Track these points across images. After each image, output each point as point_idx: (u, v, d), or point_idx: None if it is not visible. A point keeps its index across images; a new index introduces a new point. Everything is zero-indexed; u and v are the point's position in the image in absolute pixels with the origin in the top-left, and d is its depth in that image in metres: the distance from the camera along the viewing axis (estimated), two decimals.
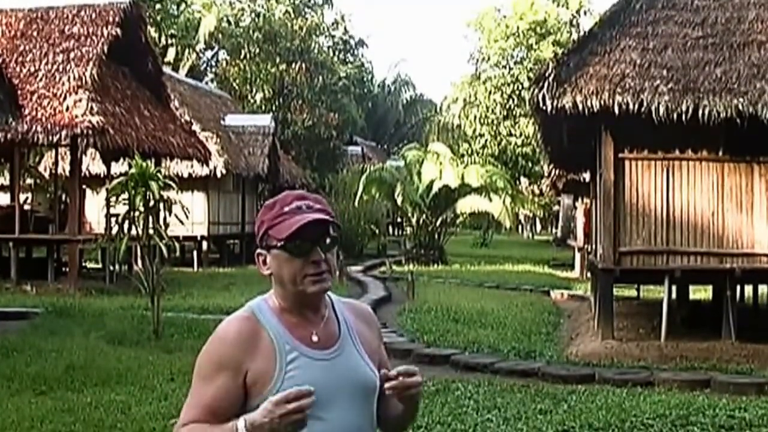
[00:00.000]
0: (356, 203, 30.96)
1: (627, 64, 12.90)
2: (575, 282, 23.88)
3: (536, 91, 12.69)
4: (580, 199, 29.61)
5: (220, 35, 42.45)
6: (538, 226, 60.39)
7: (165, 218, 13.70)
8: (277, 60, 40.91)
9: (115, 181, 14.58)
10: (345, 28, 49.27)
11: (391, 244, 36.93)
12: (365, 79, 55.52)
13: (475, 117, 43.04)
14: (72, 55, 20.03)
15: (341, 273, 22.47)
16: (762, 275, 13.54)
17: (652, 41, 13.22)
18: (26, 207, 21.49)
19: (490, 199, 29.68)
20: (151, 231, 13.40)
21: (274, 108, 39.67)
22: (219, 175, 27.72)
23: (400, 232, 43.97)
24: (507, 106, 42.25)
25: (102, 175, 23.19)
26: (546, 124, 14.55)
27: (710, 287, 16.52)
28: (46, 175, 25.68)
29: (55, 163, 23.71)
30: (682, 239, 12.92)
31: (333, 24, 48.33)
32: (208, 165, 25.96)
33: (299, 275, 2.45)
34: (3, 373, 9.89)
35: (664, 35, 13.31)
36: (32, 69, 19.93)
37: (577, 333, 14.70)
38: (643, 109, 12.33)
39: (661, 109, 12.26)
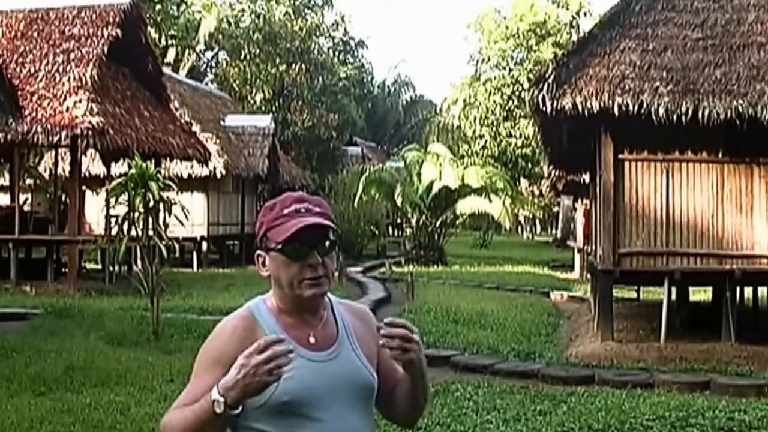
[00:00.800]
0: (356, 204, 30.96)
1: (627, 65, 12.91)
2: (575, 283, 23.87)
3: (536, 92, 12.70)
4: (579, 201, 29.61)
5: (220, 36, 42.45)
6: (538, 227, 60.40)
7: (165, 219, 13.70)
8: (277, 61, 40.92)
9: (114, 182, 14.58)
10: (345, 29, 49.29)
11: (391, 244, 36.93)
12: (365, 79, 55.55)
13: (475, 118, 43.07)
14: (72, 55, 20.03)
15: (341, 274, 22.47)
16: (762, 277, 13.53)
17: (652, 43, 13.23)
18: (26, 207, 21.49)
19: (490, 200, 29.69)
20: (150, 232, 13.40)
21: (273, 109, 39.68)
22: (219, 175, 27.73)
23: (399, 233, 43.98)
24: (507, 107, 42.28)
25: (102, 176, 23.19)
26: (546, 125, 14.56)
27: (710, 289, 16.53)
28: (46, 175, 25.67)
29: (55, 164, 23.71)
30: (681, 241, 12.93)
31: (333, 25, 48.34)
32: (207, 166, 25.97)
33: (296, 279, 2.45)
34: (2, 373, 9.89)
35: (664, 37, 13.32)
36: (32, 69, 19.93)
37: (577, 334, 14.70)
38: (642, 110, 12.33)
39: (661, 111, 12.27)
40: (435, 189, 29.35)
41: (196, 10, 42.98)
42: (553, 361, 11.98)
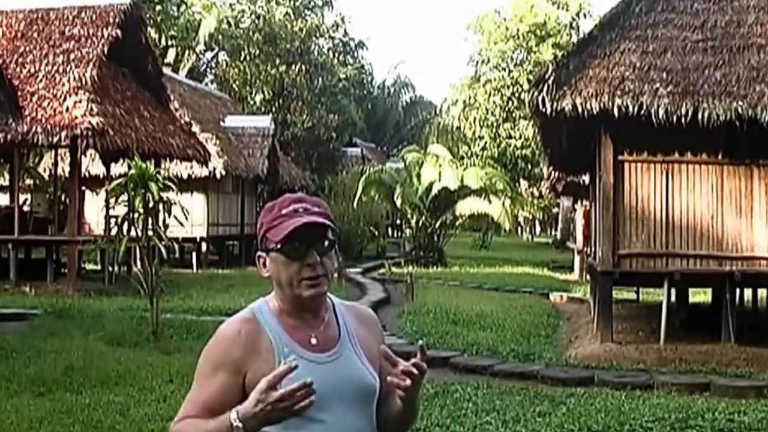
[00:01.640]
0: (355, 205, 30.96)
1: (627, 66, 12.92)
2: (574, 284, 23.86)
3: (536, 93, 12.70)
4: (579, 202, 29.60)
5: (220, 36, 42.43)
6: (538, 229, 60.41)
7: (164, 219, 13.72)
8: (277, 61, 40.91)
9: (114, 182, 14.58)
10: (345, 30, 49.25)
11: (391, 245, 36.92)
12: (365, 80, 55.54)
13: (474, 119, 43.06)
14: (72, 56, 20.03)
15: (340, 274, 22.47)
16: (761, 278, 13.53)
17: (652, 44, 13.23)
18: (26, 208, 21.47)
19: (490, 201, 29.68)
20: (150, 232, 13.41)
21: (273, 109, 39.67)
22: (218, 176, 27.74)
23: (399, 234, 43.95)
24: (507, 109, 42.27)
25: (101, 176, 23.18)
26: (545, 126, 14.56)
27: (709, 290, 16.53)
28: (46, 176, 25.66)
29: (55, 164, 23.70)
30: (681, 242, 12.93)
31: (333, 26, 48.32)
32: (207, 166, 25.97)
33: (295, 278, 2.47)
34: (2, 374, 9.88)
35: (664, 38, 13.32)
36: (32, 70, 19.92)
37: (576, 335, 14.70)
38: (642, 111, 12.34)
39: (661, 112, 12.27)
40: (435, 190, 29.35)
41: (196, 11, 42.97)
42: (553, 362, 11.99)
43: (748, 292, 16.73)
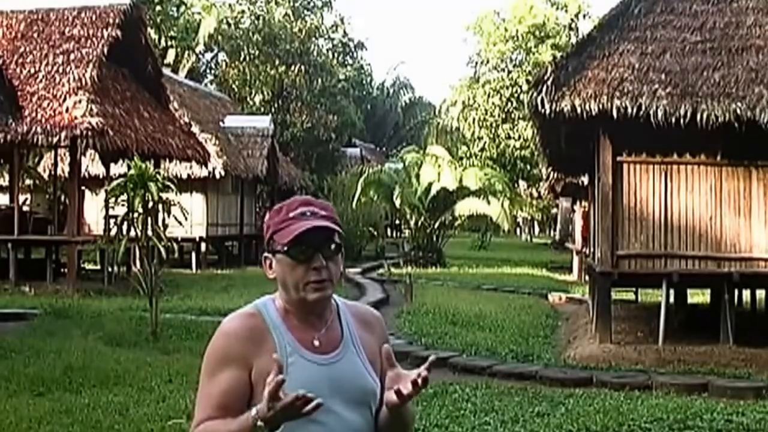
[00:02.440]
0: (354, 205, 30.95)
1: (626, 68, 12.93)
2: (573, 285, 23.90)
3: (535, 94, 12.72)
4: (578, 203, 29.64)
5: (219, 37, 42.46)
6: (537, 229, 60.45)
7: (164, 219, 13.73)
8: (277, 62, 40.94)
9: (114, 183, 14.60)
10: (344, 31, 49.32)
11: (390, 246, 36.92)
12: (364, 81, 55.56)
13: (473, 120, 43.05)
14: (72, 56, 20.05)
15: (340, 275, 22.48)
16: (760, 279, 13.55)
17: (651, 45, 13.25)
18: (25, 208, 21.48)
19: (489, 202, 29.69)
20: (149, 232, 13.43)
21: (273, 110, 39.69)
22: (218, 176, 27.76)
23: (398, 235, 44.00)
24: (506, 109, 42.26)
25: (101, 177, 23.20)
26: (544, 127, 14.57)
27: (708, 291, 16.56)
28: (46, 176, 25.69)
29: (55, 165, 23.72)
30: (680, 243, 12.95)
31: (332, 26, 48.37)
32: (207, 166, 25.99)
33: (301, 281, 2.48)
34: (1, 374, 9.89)
35: (663, 40, 13.34)
36: (32, 70, 19.94)
37: (575, 336, 14.72)
38: (641, 113, 12.35)
39: (660, 113, 12.29)
40: (434, 190, 29.37)
41: (195, 12, 43.00)
42: (552, 362, 12.00)
43: (746, 293, 16.75)
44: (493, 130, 42.51)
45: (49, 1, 22.06)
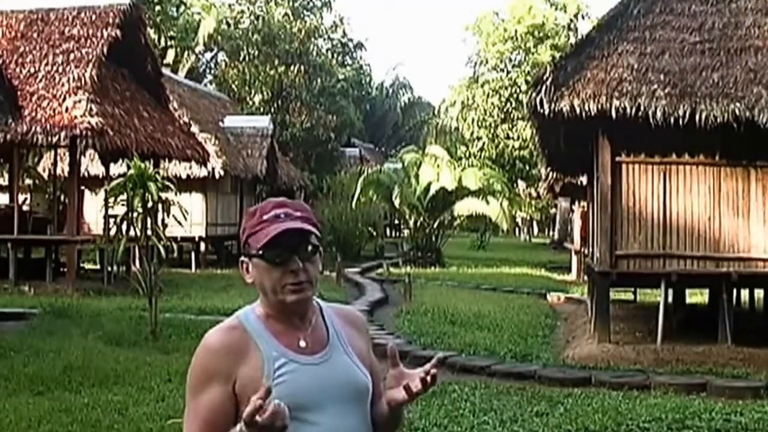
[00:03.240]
0: (354, 205, 30.98)
1: (624, 68, 12.95)
2: (572, 285, 23.91)
3: (534, 94, 12.74)
4: (577, 203, 29.65)
5: (219, 37, 42.49)
6: (535, 229, 60.44)
7: (163, 219, 13.74)
8: (276, 62, 40.95)
9: (113, 182, 14.61)
10: (344, 31, 49.36)
11: (389, 246, 36.94)
12: (363, 81, 55.55)
13: (472, 120, 43.08)
14: (72, 56, 20.06)
15: (339, 274, 22.52)
16: (758, 279, 13.57)
17: (650, 46, 13.27)
18: (25, 207, 21.48)
19: (488, 202, 29.72)
20: (149, 232, 13.43)
21: (272, 110, 39.70)
22: (217, 176, 27.77)
23: (397, 234, 44.00)
24: (505, 110, 42.29)
25: (101, 176, 23.21)
26: (543, 127, 14.59)
27: (706, 291, 16.57)
28: (45, 175, 25.67)
29: (54, 164, 23.71)
30: (678, 243, 12.97)
31: (332, 27, 48.40)
32: (206, 166, 26.00)
33: (278, 284, 2.44)
34: (1, 373, 9.91)
35: (662, 40, 13.36)
36: (32, 70, 19.95)
37: (574, 336, 14.74)
38: (640, 113, 12.37)
39: (658, 114, 12.31)
40: (433, 190, 29.40)
41: (195, 12, 43.02)
42: (550, 362, 12.01)
43: (745, 293, 16.78)
44: (492, 130, 42.53)
45: (49, 0, 22.07)
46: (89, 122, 18.50)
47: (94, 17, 20.99)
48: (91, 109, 18.78)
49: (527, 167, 42.43)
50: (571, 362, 12.01)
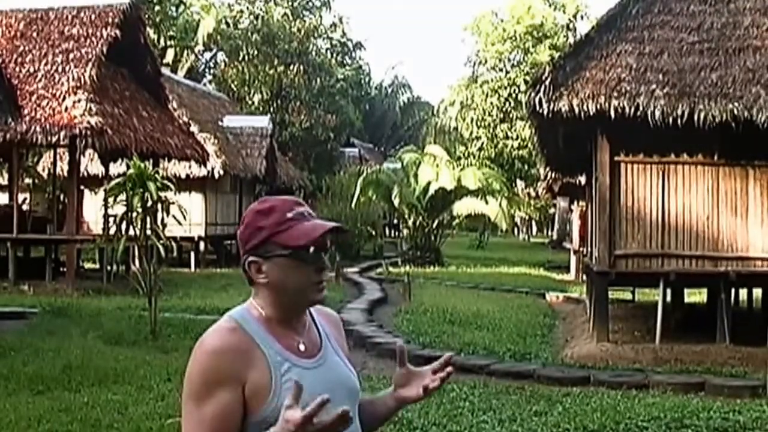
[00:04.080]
0: (353, 205, 30.99)
1: (623, 68, 12.97)
2: (571, 284, 23.94)
3: (533, 94, 12.76)
4: (575, 202, 29.67)
5: (218, 37, 42.48)
6: (534, 229, 60.45)
7: (163, 219, 13.75)
8: (276, 62, 40.97)
9: (113, 182, 14.62)
10: (343, 31, 49.32)
11: (388, 245, 36.94)
12: (363, 81, 55.54)
13: (471, 120, 43.12)
14: (71, 56, 20.07)
15: (338, 274, 22.53)
16: (756, 279, 13.61)
17: (649, 46, 13.29)
18: (24, 207, 21.50)
19: (487, 202, 29.74)
20: (148, 231, 13.45)
21: (271, 110, 39.72)
22: (217, 176, 27.77)
23: (396, 234, 43.99)
24: (504, 109, 42.33)
25: (100, 176, 23.24)
26: (542, 127, 14.61)
27: (705, 290, 16.59)
28: (45, 175, 25.68)
29: (54, 164, 23.72)
30: (677, 243, 12.99)
31: (331, 26, 48.38)
32: (205, 166, 26.00)
33: (307, 283, 2.40)
34: (0, 372, 9.91)
35: (660, 40, 13.38)
36: (31, 69, 19.96)
37: (573, 335, 14.76)
38: (639, 113, 12.39)
39: (657, 113, 12.33)
40: (432, 190, 29.40)
41: (194, 11, 43.01)
42: (549, 362, 12.04)
43: (743, 293, 16.79)
44: (491, 130, 42.57)
45: (49, 0, 22.08)
46: (89, 122, 18.52)
47: (93, 17, 21.00)
48: (90, 108, 18.80)
49: (526, 167, 42.48)
50: (570, 361, 12.04)
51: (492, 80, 43.03)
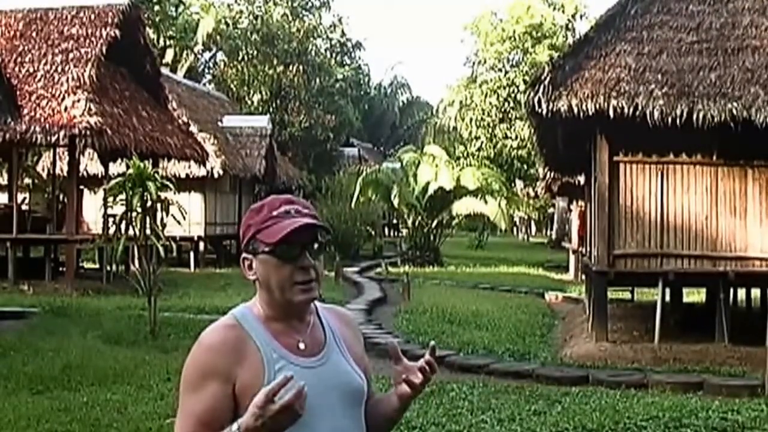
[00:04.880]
0: (352, 205, 31.01)
1: (622, 68, 12.99)
2: (570, 284, 23.96)
3: (532, 94, 12.78)
4: (574, 202, 29.69)
5: (218, 37, 42.49)
6: (533, 229, 60.41)
7: (162, 219, 13.76)
8: (275, 62, 40.99)
9: (112, 182, 14.64)
10: (342, 31, 49.35)
11: (387, 245, 36.96)
12: (362, 81, 55.59)
13: (471, 120, 43.10)
14: (71, 55, 20.08)
15: (337, 274, 22.54)
16: (755, 278, 13.63)
17: (647, 46, 13.30)
18: (24, 207, 21.50)
19: (486, 202, 29.75)
20: (148, 231, 13.46)
21: (271, 109, 39.73)
22: (216, 175, 27.78)
23: (396, 234, 44.01)
24: (503, 109, 42.31)
25: (100, 176, 23.26)
26: (541, 127, 14.63)
27: (704, 290, 16.60)
28: (44, 175, 25.67)
29: (53, 164, 23.72)
30: (676, 242, 13.00)
31: (330, 26, 48.41)
32: (205, 166, 26.01)
33: (288, 282, 2.40)
34: (0, 372, 9.93)
35: (659, 40, 13.40)
36: (31, 69, 19.97)
37: (571, 335, 14.76)
38: (637, 113, 12.41)
39: (656, 113, 12.34)
40: (431, 190, 29.41)
41: (194, 11, 43.00)
42: (548, 361, 12.06)
43: (741, 292, 16.81)
44: (490, 130, 42.55)
45: (48, 0, 22.10)
46: (88, 121, 18.52)
47: (93, 17, 21.01)
48: (90, 108, 18.80)
49: (525, 167, 42.47)
50: (569, 361, 12.05)
51: (491, 80, 43.02)
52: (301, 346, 2.43)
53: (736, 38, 13.33)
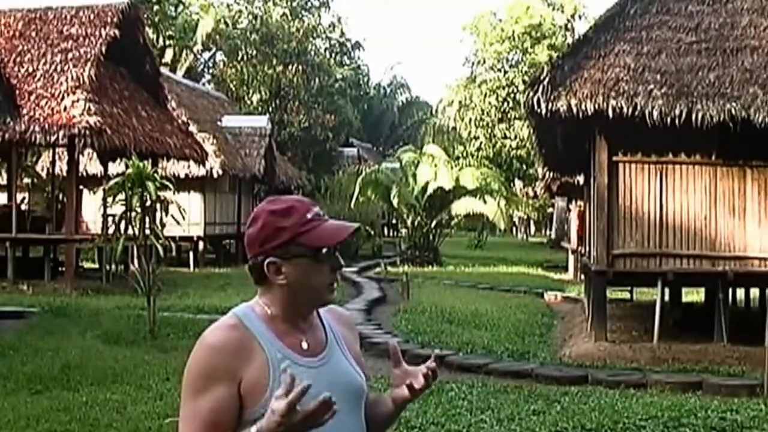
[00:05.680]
0: (352, 205, 30.99)
1: (621, 68, 12.99)
2: (569, 284, 23.96)
3: (531, 94, 12.78)
4: (574, 202, 29.70)
5: (217, 37, 42.47)
6: (533, 229, 60.40)
7: (161, 218, 13.77)
8: (274, 62, 40.98)
9: (112, 182, 14.65)
10: (342, 31, 49.36)
11: (386, 245, 36.95)
12: (361, 81, 55.59)
13: (470, 119, 43.10)
14: (70, 55, 20.08)
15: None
16: (754, 278, 13.64)
17: (647, 46, 13.31)
18: (23, 207, 21.51)
19: (485, 201, 29.75)
20: (147, 231, 13.47)
21: (270, 109, 39.72)
22: (215, 175, 27.78)
23: (395, 234, 44.01)
24: (502, 109, 42.32)
25: (99, 176, 23.25)
26: (541, 127, 14.64)
27: (703, 290, 16.62)
28: (44, 174, 25.70)
29: (53, 163, 23.73)
30: (675, 242, 13.01)
31: (330, 26, 48.41)
32: (204, 166, 26.02)
33: (325, 283, 2.43)
34: None
35: (658, 40, 13.40)
36: (30, 69, 19.98)
37: (571, 335, 14.77)
38: (637, 113, 12.41)
39: (655, 113, 12.35)
40: (430, 190, 29.40)
41: (193, 11, 43.00)
42: (547, 361, 12.06)
43: (740, 292, 16.82)
44: (489, 130, 42.57)
45: None
46: (87, 121, 18.53)
47: (92, 16, 21.02)
48: (89, 108, 18.81)
49: (524, 167, 42.49)
50: (568, 361, 12.06)
51: (490, 80, 43.02)
52: (304, 345, 2.43)
53: (735, 38, 13.33)
